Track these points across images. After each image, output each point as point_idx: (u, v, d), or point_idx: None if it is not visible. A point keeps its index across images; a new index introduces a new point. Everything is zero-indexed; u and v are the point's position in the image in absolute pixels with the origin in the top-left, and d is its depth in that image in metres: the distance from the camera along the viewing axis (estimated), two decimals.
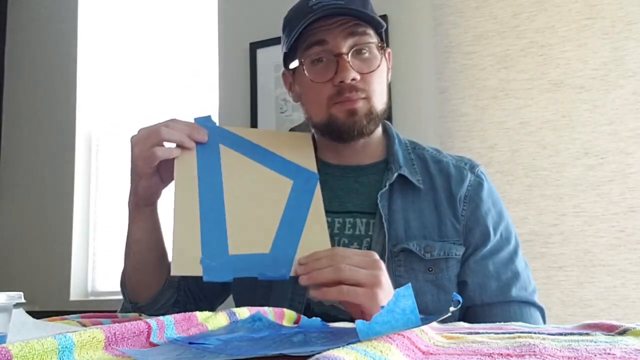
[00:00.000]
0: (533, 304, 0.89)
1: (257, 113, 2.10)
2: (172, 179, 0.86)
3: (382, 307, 0.69)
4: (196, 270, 0.75)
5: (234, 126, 0.91)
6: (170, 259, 1.01)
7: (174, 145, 0.83)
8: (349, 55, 0.87)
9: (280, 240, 0.79)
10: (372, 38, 0.90)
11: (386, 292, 0.71)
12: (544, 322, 0.90)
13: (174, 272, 0.75)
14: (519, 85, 1.80)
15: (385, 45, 0.93)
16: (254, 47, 2.14)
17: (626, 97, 1.68)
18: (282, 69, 0.99)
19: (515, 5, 1.84)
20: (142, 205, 0.87)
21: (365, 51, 0.89)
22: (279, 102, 2.07)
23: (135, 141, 0.83)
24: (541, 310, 0.90)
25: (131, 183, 0.86)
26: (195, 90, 2.33)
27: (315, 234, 0.81)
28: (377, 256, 0.73)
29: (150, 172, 0.82)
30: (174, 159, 0.83)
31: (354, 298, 0.70)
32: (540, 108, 1.76)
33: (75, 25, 2.51)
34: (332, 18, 0.87)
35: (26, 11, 2.64)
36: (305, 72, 0.90)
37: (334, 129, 0.90)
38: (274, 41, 2.10)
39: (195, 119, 0.88)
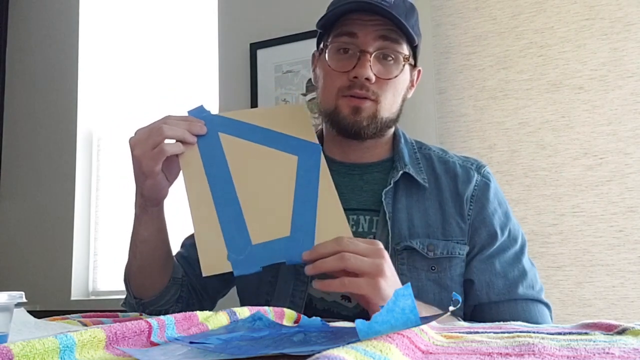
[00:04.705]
0: (540, 301, 0.89)
1: None
2: (176, 177, 0.86)
3: (385, 296, 0.70)
4: (225, 267, 0.75)
5: (228, 111, 0.91)
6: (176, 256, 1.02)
7: (173, 141, 0.83)
8: (373, 55, 0.87)
9: (298, 220, 0.79)
10: (402, 49, 0.89)
11: (389, 281, 0.72)
12: (551, 319, 0.90)
13: (205, 273, 0.75)
14: (518, 86, 1.80)
15: (415, 62, 0.93)
16: (254, 47, 2.14)
17: (625, 98, 1.68)
18: (304, 58, 1.00)
19: (514, 6, 1.84)
20: (150, 206, 0.87)
21: (390, 58, 0.89)
22: (279, 103, 2.07)
23: (135, 142, 0.82)
24: (548, 307, 0.90)
25: (136, 185, 0.85)
26: (196, 90, 2.34)
27: (329, 205, 0.81)
28: (381, 245, 0.74)
29: (157, 170, 0.81)
30: (177, 157, 0.83)
31: (357, 289, 0.70)
32: (539, 108, 1.77)
33: (76, 23, 2.51)
34: (371, 15, 0.87)
35: (27, 9, 2.64)
36: (327, 57, 0.90)
37: (336, 121, 0.91)
38: (274, 41, 2.10)
39: (189, 112, 0.88)
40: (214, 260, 0.76)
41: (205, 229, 0.78)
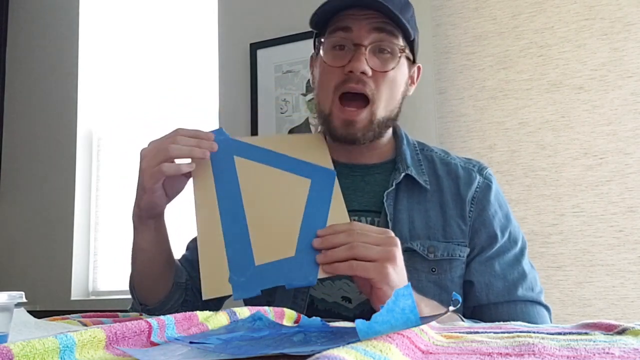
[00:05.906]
0: (539, 303, 0.89)
1: (257, 113, 2.09)
2: (177, 194, 0.87)
3: (391, 282, 0.70)
4: (226, 290, 0.75)
5: (246, 136, 0.92)
6: (183, 266, 1.01)
7: (183, 160, 0.83)
8: (368, 48, 0.86)
9: (303, 241, 0.78)
10: (398, 41, 0.88)
11: (398, 267, 0.72)
12: (551, 321, 0.90)
13: (205, 296, 0.75)
14: (518, 86, 1.80)
15: (413, 57, 0.92)
16: (254, 47, 2.14)
17: (625, 98, 1.68)
18: (304, 58, 0.99)
19: (514, 6, 1.84)
20: (145, 217, 0.87)
21: (386, 51, 0.88)
22: (279, 103, 2.07)
23: (144, 155, 0.82)
24: (548, 310, 0.90)
25: (136, 195, 0.86)
26: (196, 91, 2.33)
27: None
28: (392, 234, 0.74)
29: (154, 187, 0.81)
30: (186, 175, 0.83)
31: (364, 272, 0.70)
32: (539, 108, 1.76)
33: (76, 23, 2.51)
34: (365, 10, 0.86)
35: (27, 8, 2.64)
36: (322, 53, 0.90)
37: (330, 130, 0.91)
38: (274, 41, 2.10)
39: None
40: (216, 283, 0.76)
41: (210, 251, 0.78)
